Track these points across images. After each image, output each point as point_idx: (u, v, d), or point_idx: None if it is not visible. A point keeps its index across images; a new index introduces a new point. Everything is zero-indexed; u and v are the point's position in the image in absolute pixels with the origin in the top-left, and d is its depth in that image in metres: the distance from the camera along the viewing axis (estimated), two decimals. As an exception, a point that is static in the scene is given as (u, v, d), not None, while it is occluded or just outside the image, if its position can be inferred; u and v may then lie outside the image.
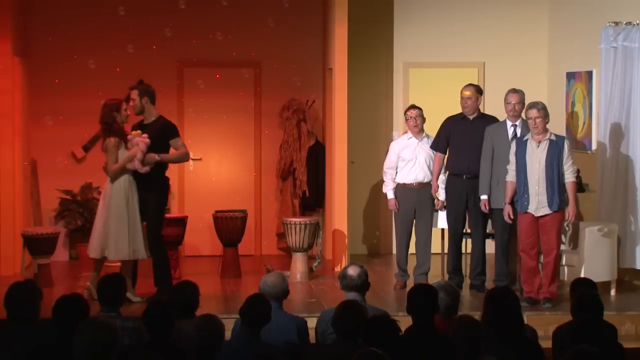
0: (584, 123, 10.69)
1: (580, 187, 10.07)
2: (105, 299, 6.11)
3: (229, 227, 10.43)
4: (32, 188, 11.25)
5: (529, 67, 11.67)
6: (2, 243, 10.36)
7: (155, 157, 8.81)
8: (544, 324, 7.98)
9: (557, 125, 11.03)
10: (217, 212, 10.51)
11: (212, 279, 9.48)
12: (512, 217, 8.84)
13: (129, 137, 8.83)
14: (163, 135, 8.93)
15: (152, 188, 8.88)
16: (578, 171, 9.72)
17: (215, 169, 11.57)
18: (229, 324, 6.19)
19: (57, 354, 5.00)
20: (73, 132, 11.39)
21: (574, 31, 11.07)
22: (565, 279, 9.21)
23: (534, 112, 8.61)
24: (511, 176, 8.79)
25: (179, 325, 5.46)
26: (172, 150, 9.02)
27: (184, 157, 9.13)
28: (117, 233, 8.73)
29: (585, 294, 6.05)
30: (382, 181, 9.88)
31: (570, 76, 10.96)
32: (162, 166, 8.98)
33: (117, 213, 8.74)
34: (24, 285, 5.84)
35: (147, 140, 8.80)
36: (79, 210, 11.30)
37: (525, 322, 6.25)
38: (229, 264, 10.30)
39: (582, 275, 8.72)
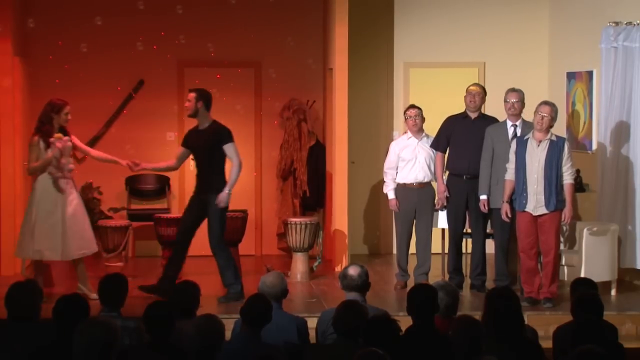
0: (584, 123, 10.69)
1: (580, 187, 10.08)
2: (106, 298, 6.10)
3: (230, 227, 10.36)
4: (33, 188, 11.25)
5: (530, 67, 11.67)
6: (3, 243, 10.36)
7: (227, 195, 8.86)
8: (545, 323, 7.98)
9: (558, 125, 11.01)
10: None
11: (212, 278, 9.45)
12: (509, 215, 8.84)
13: (50, 140, 8.84)
14: (217, 140, 8.93)
15: (213, 190, 8.90)
16: (578, 171, 9.74)
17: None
18: (229, 324, 6.19)
19: (58, 353, 5.00)
20: (73, 132, 11.36)
21: (574, 31, 11.07)
22: (566, 278, 9.21)
23: (546, 109, 8.61)
24: (510, 174, 8.80)
25: (180, 325, 5.46)
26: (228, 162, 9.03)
27: (239, 169, 9.00)
28: (49, 233, 8.83)
29: (586, 294, 6.05)
30: (383, 181, 9.88)
31: (571, 76, 10.96)
32: (222, 170, 9.00)
33: (46, 213, 8.81)
34: (25, 285, 5.85)
35: (68, 144, 8.87)
36: (80, 210, 11.28)
37: (526, 322, 6.25)
38: (230, 264, 10.29)
39: (582, 275, 8.72)
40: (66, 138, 8.90)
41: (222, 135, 8.97)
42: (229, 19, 11.49)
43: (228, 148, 8.96)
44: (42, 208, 8.85)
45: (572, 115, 10.90)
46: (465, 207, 9.42)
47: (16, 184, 10.53)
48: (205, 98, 9.01)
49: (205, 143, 8.95)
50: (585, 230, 9.17)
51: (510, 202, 8.83)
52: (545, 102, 8.73)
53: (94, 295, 8.23)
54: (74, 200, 8.97)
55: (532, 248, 8.75)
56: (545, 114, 8.59)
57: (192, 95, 9.02)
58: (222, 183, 8.96)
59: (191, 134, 9.17)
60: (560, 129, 10.89)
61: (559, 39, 11.49)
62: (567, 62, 11.15)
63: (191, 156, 9.31)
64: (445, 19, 11.74)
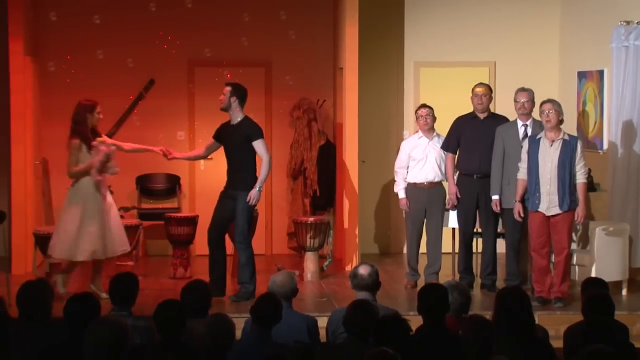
0: (595, 122, 10.67)
1: (591, 186, 10.06)
2: (117, 297, 6.11)
3: (240, 226, 10.42)
4: (44, 187, 11.29)
5: (540, 67, 11.65)
6: (14, 242, 10.40)
7: (258, 192, 8.88)
8: (555, 323, 7.97)
9: (569, 125, 11.01)
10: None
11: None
12: (522, 215, 8.83)
13: (94, 143, 8.86)
14: (247, 136, 8.96)
15: (241, 186, 8.93)
16: (589, 171, 9.72)
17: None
18: (240, 324, 6.19)
19: (69, 353, 5.01)
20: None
21: (585, 30, 11.05)
22: (577, 278, 9.20)
23: (547, 106, 8.61)
24: (522, 174, 8.78)
25: (191, 324, 5.47)
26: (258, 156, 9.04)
27: (269, 165, 9.01)
28: (84, 233, 8.87)
29: (597, 293, 6.04)
30: (393, 180, 9.88)
31: (582, 75, 10.94)
32: (252, 166, 9.03)
33: (81, 214, 8.86)
34: (36, 284, 5.86)
35: (112, 148, 8.92)
36: (90, 210, 11.31)
37: (537, 321, 6.24)
38: (240, 263, 10.30)
39: (593, 275, 8.71)
40: (111, 141, 8.94)
41: (252, 131, 8.99)
42: (240, 18, 11.49)
43: (257, 144, 8.97)
44: (88, 209, 8.89)
45: (583, 115, 10.88)
46: (476, 206, 9.42)
47: (27, 183, 10.56)
48: (239, 93, 9.03)
49: (235, 139, 8.98)
50: (597, 229, 9.16)
51: (522, 201, 8.82)
52: (545, 101, 8.73)
53: (105, 295, 8.27)
54: (110, 201, 9.13)
55: (544, 247, 8.74)
56: (549, 110, 8.58)
57: (227, 89, 9.05)
58: (251, 179, 8.98)
59: (223, 128, 9.19)
60: (571, 128, 10.87)
61: (570, 38, 11.47)
62: (577, 61, 11.13)
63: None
64: (455, 18, 11.73)
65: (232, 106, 9.02)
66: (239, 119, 9.06)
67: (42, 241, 9.72)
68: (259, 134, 9.00)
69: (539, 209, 8.66)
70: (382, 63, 11.67)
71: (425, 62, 11.71)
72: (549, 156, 8.61)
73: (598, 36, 10.52)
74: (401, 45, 11.74)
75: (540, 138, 8.69)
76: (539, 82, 10.85)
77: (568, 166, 8.58)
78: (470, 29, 11.71)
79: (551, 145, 8.62)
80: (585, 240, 9.36)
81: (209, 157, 9.74)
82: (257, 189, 8.94)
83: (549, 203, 8.62)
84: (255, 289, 8.96)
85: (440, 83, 11.61)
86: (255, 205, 9.07)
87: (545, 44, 11.73)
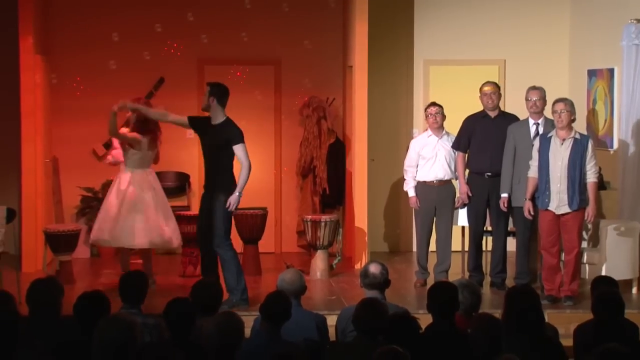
0: (605, 121, 10.64)
1: (601, 185, 10.03)
2: (127, 295, 6.12)
3: (249, 224, 10.45)
4: (54, 185, 11.32)
5: (550, 65, 11.63)
6: (25, 240, 10.42)
7: (237, 197, 8.71)
8: (565, 322, 7.96)
9: (578, 123, 10.97)
10: (237, 209, 10.50)
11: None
12: (532, 213, 8.81)
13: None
14: (226, 140, 8.73)
15: (220, 190, 8.74)
16: (599, 169, 9.69)
17: (236, 167, 11.60)
18: (249, 322, 6.19)
19: (79, 350, 5.03)
20: (94, 129, 11.44)
21: (595, 28, 11.02)
22: (587, 277, 9.18)
23: (560, 105, 8.59)
24: (533, 172, 8.76)
25: (200, 322, 5.47)
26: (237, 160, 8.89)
27: (249, 171, 8.77)
28: (134, 222, 8.90)
29: (607, 292, 6.03)
30: (402, 179, 9.88)
31: (592, 73, 10.91)
32: (231, 169, 8.84)
33: (133, 203, 8.95)
34: (46, 282, 5.88)
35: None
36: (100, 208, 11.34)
37: (546, 320, 6.24)
38: (250, 261, 10.32)
39: (603, 273, 8.69)
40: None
41: (232, 135, 8.73)
42: (250, 16, 11.51)
43: (238, 149, 8.71)
44: (148, 198, 9.12)
45: (593, 113, 10.85)
46: (486, 205, 9.41)
47: (37, 181, 10.58)
48: (218, 94, 8.79)
49: (215, 141, 8.75)
50: (607, 228, 9.13)
51: (533, 199, 8.80)
52: (558, 100, 8.71)
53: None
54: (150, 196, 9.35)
55: (554, 246, 8.72)
56: (562, 110, 8.56)
57: (207, 89, 8.92)
58: (229, 182, 8.76)
59: (204, 123, 8.94)
60: (580, 126, 10.84)
61: (580, 36, 11.45)
62: (588, 59, 11.11)
63: None
64: (465, 17, 11.71)
65: (211, 106, 8.81)
66: (219, 120, 8.81)
67: (52, 239, 9.76)
68: (239, 138, 8.72)
69: (549, 208, 8.64)
70: (391, 61, 11.66)
71: (434, 60, 11.69)
72: (560, 155, 8.59)
73: (608, 34, 10.49)
74: (411, 44, 11.73)
75: (551, 136, 8.67)
76: (549, 80, 10.82)
77: (579, 165, 8.56)
78: (480, 27, 11.69)
79: (562, 143, 8.60)
80: (595, 239, 9.34)
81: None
82: (237, 194, 8.69)
83: (558, 202, 8.60)
84: (245, 290, 8.73)
85: (450, 81, 11.59)
86: (234, 210, 8.89)
87: (555, 41, 11.70)
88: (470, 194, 9.40)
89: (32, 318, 5.62)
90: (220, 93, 8.81)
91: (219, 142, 8.74)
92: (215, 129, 8.81)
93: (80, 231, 10.18)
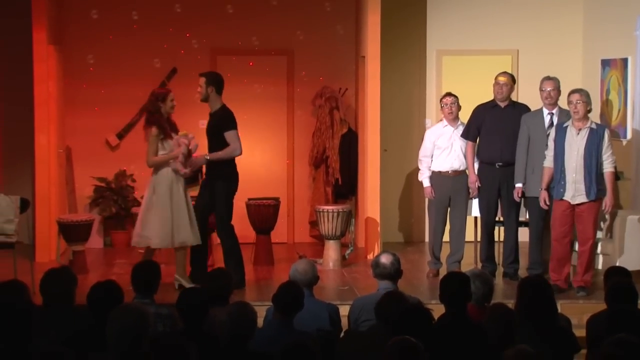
0: (618, 111, 10.61)
1: (615, 175, 10.01)
2: (139, 285, 6.14)
3: (262, 214, 10.46)
4: (67, 175, 11.35)
5: (564, 55, 11.59)
6: (38, 230, 10.46)
7: (203, 159, 8.81)
8: (578, 312, 7.95)
9: (592, 113, 10.95)
10: (250, 199, 10.55)
11: (245, 266, 9.51)
12: (548, 203, 8.79)
13: (175, 137, 8.83)
14: (219, 126, 8.88)
15: (218, 176, 8.90)
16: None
17: (248, 157, 11.60)
18: (262, 311, 6.21)
19: (92, 340, 5.04)
20: (107, 119, 11.47)
21: (609, 18, 10.97)
22: (600, 267, 9.16)
23: (576, 96, 8.55)
24: (549, 162, 8.73)
25: (213, 312, 5.49)
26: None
27: (233, 152, 8.89)
28: (161, 222, 8.75)
29: (620, 282, 6.02)
30: (416, 169, 9.87)
31: (605, 63, 10.87)
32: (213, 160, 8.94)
33: (161, 203, 8.77)
34: (60, 271, 5.90)
35: (193, 143, 8.80)
36: (114, 198, 11.39)
37: (559, 310, 6.23)
38: (262, 251, 10.33)
39: (617, 264, 8.67)
40: (191, 135, 8.86)
41: (224, 121, 8.89)
42: (262, 6, 11.50)
43: (228, 135, 8.87)
44: (176, 199, 8.83)
45: (607, 103, 10.81)
46: (498, 195, 9.39)
47: (51, 171, 10.61)
48: (215, 82, 8.94)
49: (210, 127, 8.94)
50: (620, 218, 9.11)
51: (548, 189, 8.78)
52: (573, 90, 8.68)
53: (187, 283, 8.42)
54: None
55: (566, 237, 8.70)
56: (577, 101, 8.53)
57: (202, 80, 8.96)
58: (227, 168, 8.92)
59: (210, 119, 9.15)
60: (594, 116, 10.80)
61: (593, 26, 11.40)
62: (601, 49, 11.06)
63: None
64: (478, 6, 11.67)
65: (210, 96, 8.93)
66: (216, 107, 8.97)
67: (66, 229, 9.79)
68: (230, 125, 8.86)
69: (564, 197, 8.61)
70: (404, 51, 11.64)
71: (447, 50, 11.67)
72: (575, 144, 8.56)
73: (622, 24, 10.44)
74: (423, 34, 11.70)
75: (567, 126, 8.63)
76: (563, 70, 10.78)
77: (595, 155, 8.52)
78: (493, 17, 11.66)
79: (578, 133, 8.57)
80: (609, 229, 9.31)
81: None
82: (205, 156, 8.82)
83: (574, 191, 8.57)
84: (243, 278, 8.88)
85: (463, 71, 11.56)
86: (231, 194, 8.93)
87: (569, 31, 11.66)
88: (479, 184, 9.39)
89: (45, 308, 5.64)
90: (217, 82, 8.98)
91: (213, 129, 8.90)
92: (211, 117, 9.00)
93: (93, 221, 10.22)
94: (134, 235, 8.98)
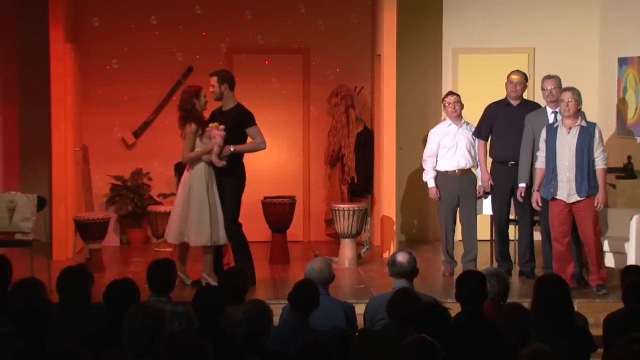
0: (635, 109, 10.56)
1: (631, 173, 9.98)
2: (155, 283, 6.15)
3: (278, 213, 10.46)
4: (84, 174, 11.39)
5: (580, 53, 11.54)
6: (55, 228, 10.49)
7: (229, 149, 8.84)
8: (595, 311, 7.93)
9: (608, 112, 10.93)
10: (265, 198, 10.56)
11: (260, 264, 9.51)
12: (540, 204, 8.77)
13: (207, 129, 8.84)
14: (239, 123, 8.88)
15: (228, 174, 8.89)
16: (629, 157, 9.64)
17: (264, 155, 11.60)
18: (277, 310, 6.21)
19: (109, 337, 5.06)
20: (124, 118, 11.50)
21: (626, 16, 10.93)
22: (614, 266, 9.12)
23: (568, 95, 8.54)
24: (540, 163, 8.72)
25: (229, 310, 5.49)
26: (249, 139, 8.97)
27: (259, 146, 8.95)
28: (198, 219, 8.76)
29: (637, 281, 6.00)
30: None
31: (622, 61, 10.83)
32: (240, 154, 8.95)
33: (199, 200, 8.79)
34: (76, 269, 5.92)
35: (223, 133, 8.79)
36: (130, 196, 11.41)
37: (576, 309, 6.22)
38: (278, 250, 10.34)
39: (631, 263, 8.63)
40: (222, 127, 8.86)
41: (245, 118, 8.90)
42: (278, 5, 11.51)
43: (251, 130, 8.90)
44: (212, 194, 8.85)
45: (623, 102, 10.77)
46: (511, 194, 9.36)
47: (67, 169, 10.65)
48: (228, 80, 8.96)
49: (227, 125, 8.85)
50: (636, 216, 9.06)
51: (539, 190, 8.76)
52: (565, 89, 8.66)
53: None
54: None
55: (565, 236, 8.67)
56: (569, 99, 8.51)
57: (214, 79, 8.95)
58: (237, 167, 8.92)
59: (216, 115, 9.07)
60: (610, 115, 10.78)
61: (610, 24, 11.35)
62: (618, 47, 11.02)
63: None
64: (494, 4, 11.64)
65: (224, 94, 8.93)
66: (231, 105, 8.97)
67: (82, 227, 9.82)
68: (252, 121, 8.91)
69: (557, 197, 8.58)
70: (420, 50, 11.62)
71: (463, 48, 11.64)
72: (567, 143, 8.54)
73: (639, 22, 10.39)
74: (439, 32, 11.68)
75: (557, 126, 8.63)
76: (579, 68, 10.75)
77: (586, 152, 8.50)
78: (509, 15, 11.62)
79: (568, 132, 8.55)
80: (624, 227, 9.26)
81: None
82: (232, 148, 8.79)
83: (569, 190, 8.55)
84: (253, 276, 8.80)
85: (479, 70, 11.54)
86: (239, 192, 8.93)
87: (586, 29, 11.61)
88: (492, 183, 9.37)
89: (62, 306, 5.67)
90: (229, 79, 8.99)
91: (230, 127, 8.85)
92: (226, 115, 8.96)
93: (109, 219, 10.24)
94: (171, 232, 8.94)
